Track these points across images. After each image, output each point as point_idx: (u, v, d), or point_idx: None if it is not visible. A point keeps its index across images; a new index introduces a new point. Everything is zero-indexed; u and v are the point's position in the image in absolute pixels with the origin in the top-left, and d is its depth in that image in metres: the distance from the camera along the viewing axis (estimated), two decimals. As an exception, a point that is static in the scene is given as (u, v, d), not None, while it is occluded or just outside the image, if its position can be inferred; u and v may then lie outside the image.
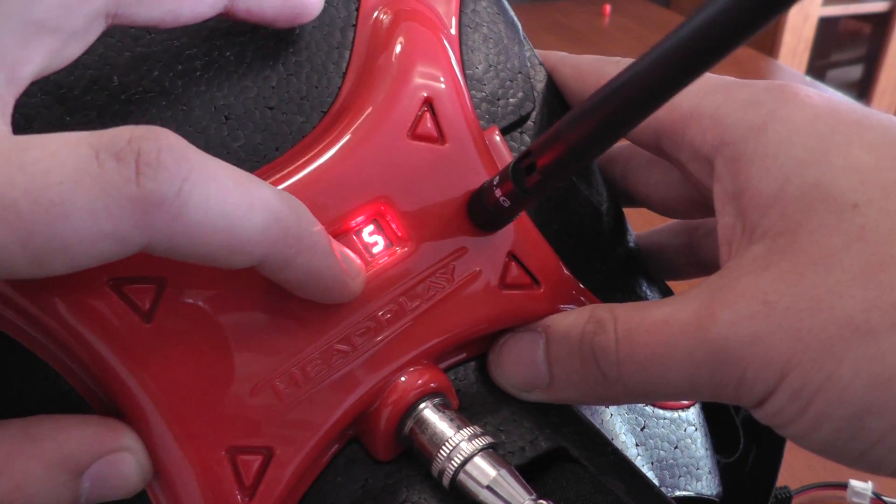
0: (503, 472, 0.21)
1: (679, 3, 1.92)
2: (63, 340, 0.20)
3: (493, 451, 0.22)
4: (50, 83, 0.21)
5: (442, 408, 0.23)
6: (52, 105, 0.21)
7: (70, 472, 0.18)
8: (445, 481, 0.21)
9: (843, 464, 0.21)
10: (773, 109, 0.22)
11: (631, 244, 0.30)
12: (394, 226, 0.23)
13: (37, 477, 0.18)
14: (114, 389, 0.20)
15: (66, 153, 0.15)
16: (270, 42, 0.24)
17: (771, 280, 0.20)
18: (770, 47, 1.85)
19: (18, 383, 0.21)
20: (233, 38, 0.23)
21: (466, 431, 0.22)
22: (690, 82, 0.17)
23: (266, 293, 0.21)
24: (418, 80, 0.24)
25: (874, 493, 0.49)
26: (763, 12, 0.15)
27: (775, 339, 0.20)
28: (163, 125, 0.22)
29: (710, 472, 0.30)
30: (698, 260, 0.32)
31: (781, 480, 0.49)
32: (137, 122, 0.21)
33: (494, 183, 0.22)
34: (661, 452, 0.29)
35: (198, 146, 0.22)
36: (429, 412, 0.22)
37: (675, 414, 0.30)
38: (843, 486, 0.49)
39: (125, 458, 0.19)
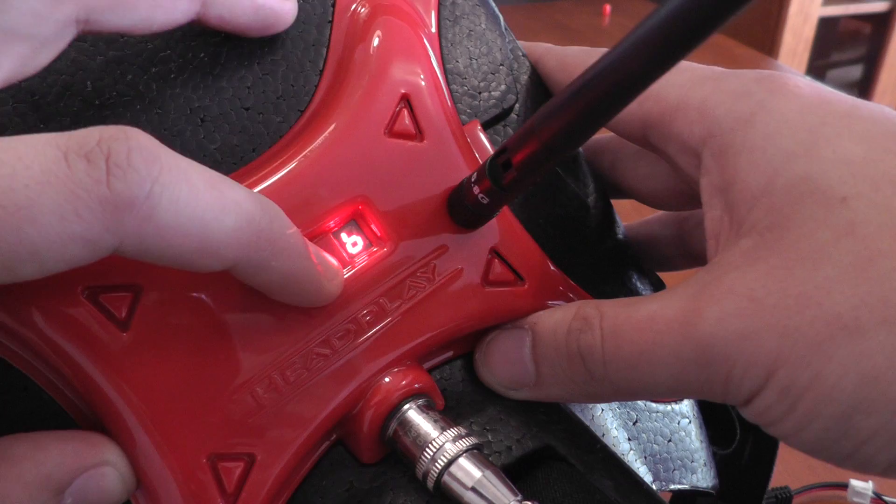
0: (488, 473, 0.21)
1: (678, 4, 1.92)
2: (39, 351, 0.19)
3: (478, 452, 0.21)
4: (22, 90, 0.21)
5: (426, 409, 0.22)
6: (25, 113, 0.21)
7: (51, 490, 0.18)
8: (430, 483, 0.21)
9: (832, 463, 0.20)
10: (762, 100, 0.22)
11: (620, 236, 0.30)
12: (373, 225, 0.23)
13: (17, 498, 0.18)
14: (92, 399, 0.20)
15: (33, 155, 0.15)
16: (245, 42, 0.23)
17: (758, 276, 0.20)
18: (770, 47, 1.85)
19: None
20: (207, 38, 0.23)
21: (451, 432, 0.21)
22: (664, 73, 0.16)
23: (243, 298, 0.21)
24: (395, 77, 0.23)
25: (874, 492, 0.49)
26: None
27: (762, 336, 0.19)
28: (138, 128, 0.22)
29: (705, 465, 0.30)
30: (688, 251, 0.31)
31: (782, 480, 0.49)
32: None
33: (472, 180, 0.22)
34: (655, 446, 0.28)
35: (174, 149, 0.22)
36: (412, 413, 0.22)
37: (668, 407, 0.29)
38: (844, 486, 0.49)
39: (106, 473, 0.19)
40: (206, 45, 0.23)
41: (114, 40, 0.22)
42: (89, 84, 0.21)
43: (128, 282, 0.20)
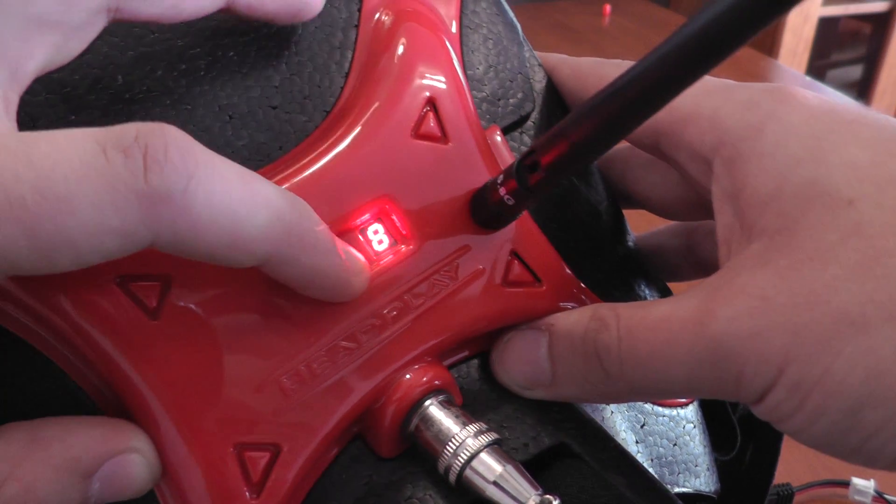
0: (509, 467, 0.21)
1: (679, 3, 1.92)
2: (69, 338, 0.20)
3: (499, 447, 0.22)
4: (54, 82, 0.21)
5: (446, 405, 0.23)
6: (56, 104, 0.21)
7: (79, 474, 0.18)
8: (452, 477, 0.22)
9: (840, 457, 0.21)
10: (771, 110, 0.23)
11: (630, 244, 0.31)
12: (398, 224, 0.23)
13: (46, 480, 0.18)
14: (120, 387, 0.20)
15: (73, 149, 0.15)
16: (273, 42, 0.24)
17: (768, 276, 0.20)
18: (770, 47, 1.85)
19: (25, 382, 0.21)
20: (236, 37, 0.23)
21: (472, 428, 0.22)
22: (694, 82, 0.17)
23: (272, 290, 0.21)
24: (421, 80, 0.24)
25: (876, 491, 0.49)
26: (766, 12, 0.15)
27: (773, 334, 0.20)
28: (166, 124, 0.22)
29: (708, 469, 0.30)
30: (697, 261, 0.32)
31: (783, 478, 0.49)
32: (142, 120, 0.22)
33: (498, 181, 0.23)
34: (660, 449, 0.29)
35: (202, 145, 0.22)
36: (434, 409, 0.23)
37: (674, 411, 0.30)
38: (846, 483, 0.49)
39: (134, 459, 0.19)
40: (234, 43, 0.23)
41: (144, 36, 0.22)
42: (120, 78, 0.22)
43: (159, 271, 0.20)
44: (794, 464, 0.51)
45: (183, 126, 0.22)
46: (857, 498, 0.49)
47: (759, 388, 0.21)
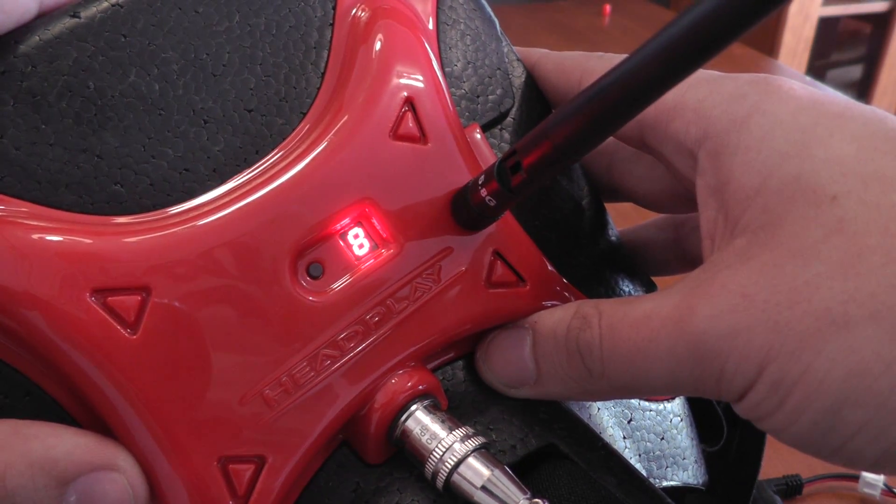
0: (497, 472, 0.21)
1: (679, 4, 1.92)
2: (45, 355, 0.19)
3: (486, 451, 0.22)
4: (23, 90, 0.20)
5: (432, 409, 0.23)
6: (27, 113, 0.20)
7: (53, 478, 0.18)
8: (439, 483, 0.21)
9: (822, 458, 0.21)
10: (757, 102, 0.22)
11: (612, 238, 0.30)
12: (378, 227, 0.23)
13: (18, 473, 0.18)
14: (99, 403, 0.20)
15: None
16: (247, 43, 0.23)
17: (750, 273, 0.20)
18: (770, 47, 1.85)
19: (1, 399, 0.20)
20: (209, 39, 0.23)
21: (459, 432, 0.22)
22: (681, 80, 0.16)
23: (253, 301, 0.21)
24: (398, 80, 0.23)
25: (885, 484, 0.49)
26: (757, 9, 0.15)
27: (754, 332, 0.20)
28: (141, 130, 0.21)
29: (696, 462, 0.30)
30: (685, 255, 0.31)
31: (793, 469, 0.49)
32: (115, 127, 0.21)
33: (479, 182, 0.22)
34: (648, 444, 0.29)
35: (178, 151, 0.21)
36: (420, 414, 0.22)
37: (661, 405, 0.30)
38: (855, 477, 0.50)
39: (115, 479, 0.19)
40: (207, 45, 0.23)
41: (115, 40, 0.22)
42: (91, 85, 0.21)
43: (136, 284, 0.20)
44: (804, 455, 0.50)
45: (158, 132, 0.22)
46: (867, 491, 0.49)
47: (739, 386, 0.20)
